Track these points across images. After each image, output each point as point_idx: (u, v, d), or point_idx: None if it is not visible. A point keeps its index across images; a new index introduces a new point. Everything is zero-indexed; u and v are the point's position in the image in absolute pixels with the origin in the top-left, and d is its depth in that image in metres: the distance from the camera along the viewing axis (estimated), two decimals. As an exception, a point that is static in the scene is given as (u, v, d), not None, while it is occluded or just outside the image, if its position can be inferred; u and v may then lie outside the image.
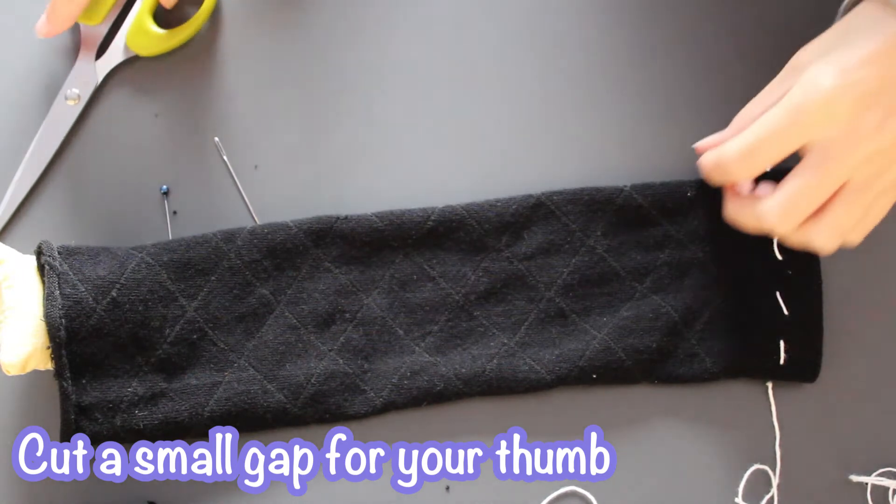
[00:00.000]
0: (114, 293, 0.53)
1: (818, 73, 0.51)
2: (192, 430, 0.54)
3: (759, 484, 0.57)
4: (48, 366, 0.52)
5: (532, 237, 0.58)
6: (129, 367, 0.54)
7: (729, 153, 0.52)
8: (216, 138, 0.59)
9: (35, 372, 0.53)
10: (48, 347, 0.52)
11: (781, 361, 0.57)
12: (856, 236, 0.54)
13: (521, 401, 0.57)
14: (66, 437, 0.52)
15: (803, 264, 0.57)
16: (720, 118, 0.56)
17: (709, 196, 0.58)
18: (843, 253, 0.58)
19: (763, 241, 0.57)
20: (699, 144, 0.57)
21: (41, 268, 0.53)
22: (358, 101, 0.60)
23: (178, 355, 0.54)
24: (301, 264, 0.56)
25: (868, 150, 0.50)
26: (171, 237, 0.56)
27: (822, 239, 0.52)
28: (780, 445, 0.57)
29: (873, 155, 0.50)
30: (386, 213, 0.57)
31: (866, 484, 0.57)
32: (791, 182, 0.51)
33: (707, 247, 0.58)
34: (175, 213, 0.58)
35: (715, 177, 0.54)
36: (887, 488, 0.57)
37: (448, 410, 0.57)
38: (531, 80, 0.60)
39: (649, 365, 0.57)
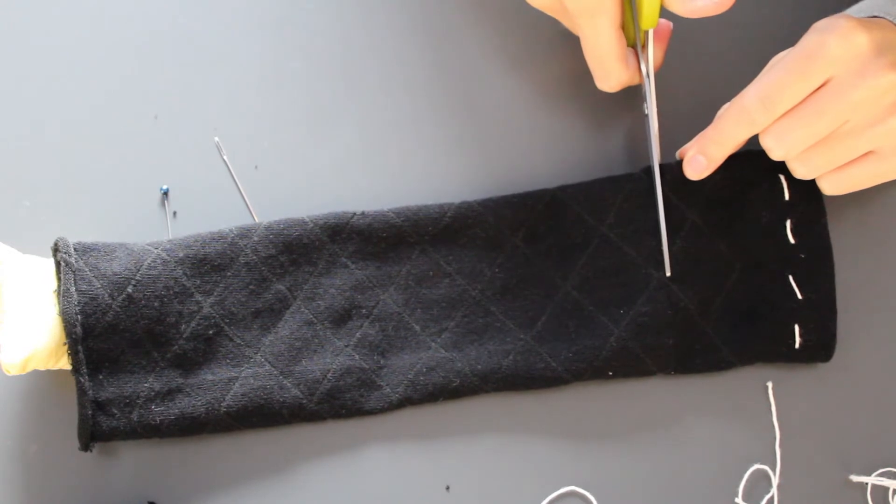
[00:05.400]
0: (129, 289, 0.52)
1: (831, 19, 0.51)
2: (209, 426, 0.54)
3: (759, 484, 0.58)
4: (48, 366, 0.52)
5: (548, 232, 0.58)
6: (146, 363, 0.53)
7: (750, 99, 0.52)
8: (216, 138, 0.58)
9: (51, 371, 0.53)
10: (65, 344, 0.51)
11: (797, 346, 0.57)
12: (829, 185, 0.55)
13: (524, 397, 0.57)
14: (83, 432, 0.52)
15: (815, 247, 0.57)
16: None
17: (722, 175, 0.57)
18: (846, 251, 0.59)
19: (776, 225, 0.57)
20: (681, 150, 0.57)
21: (57, 265, 0.52)
22: (358, 101, 0.59)
23: (195, 351, 0.54)
24: (317, 260, 0.56)
25: (872, 91, 0.50)
26: (171, 237, 0.56)
27: (800, 163, 0.54)
28: (780, 445, 0.58)
29: (875, 98, 0.51)
30: (402, 209, 0.57)
31: (866, 484, 0.58)
32: (775, 69, 0.52)
33: (721, 230, 0.57)
34: (175, 213, 0.57)
35: (733, 132, 0.53)
36: (887, 488, 0.58)
37: (461, 406, 0.57)
38: (536, 76, 0.60)
39: (666, 359, 0.57)
